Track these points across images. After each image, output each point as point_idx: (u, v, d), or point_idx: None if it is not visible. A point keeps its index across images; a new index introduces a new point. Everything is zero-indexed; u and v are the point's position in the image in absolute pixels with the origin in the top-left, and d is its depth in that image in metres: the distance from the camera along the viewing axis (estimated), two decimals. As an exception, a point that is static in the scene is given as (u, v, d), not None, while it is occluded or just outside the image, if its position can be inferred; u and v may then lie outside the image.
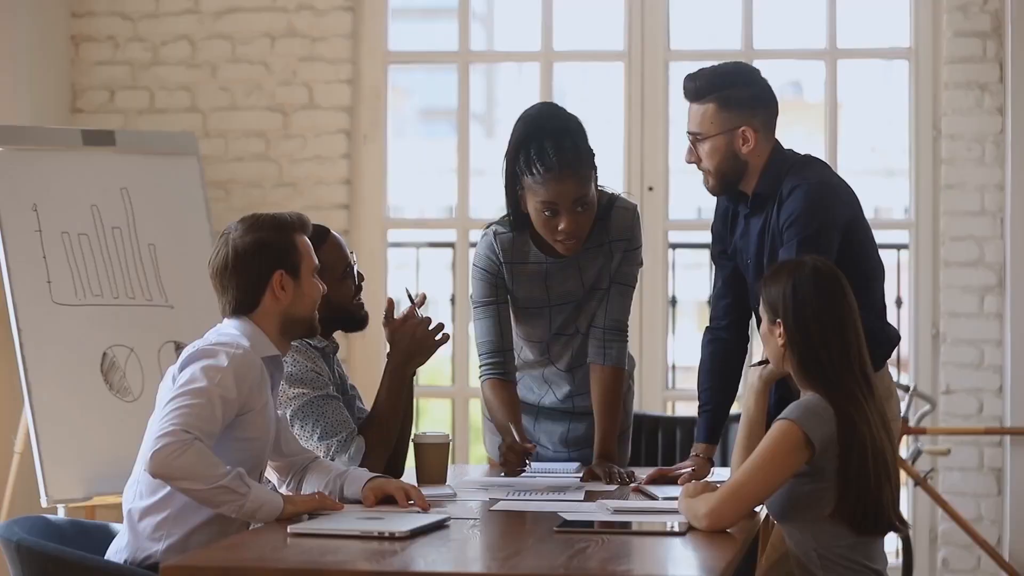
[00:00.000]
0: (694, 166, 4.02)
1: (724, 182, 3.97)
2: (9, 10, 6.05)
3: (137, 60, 6.49)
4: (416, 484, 3.88)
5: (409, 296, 4.04)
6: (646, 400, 6.25)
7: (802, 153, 4.02)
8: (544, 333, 4.29)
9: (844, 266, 3.66)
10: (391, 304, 4.06)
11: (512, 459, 4.12)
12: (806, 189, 3.85)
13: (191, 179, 5.73)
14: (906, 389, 5.83)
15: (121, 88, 6.49)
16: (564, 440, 4.39)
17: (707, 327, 4.14)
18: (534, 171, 4.03)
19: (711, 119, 3.93)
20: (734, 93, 3.93)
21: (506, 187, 4.13)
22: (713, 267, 4.21)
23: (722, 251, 4.10)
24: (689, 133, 3.98)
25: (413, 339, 3.97)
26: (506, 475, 4.12)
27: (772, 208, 3.90)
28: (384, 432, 3.94)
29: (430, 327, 3.98)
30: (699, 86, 3.95)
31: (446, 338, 4.02)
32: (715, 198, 4.11)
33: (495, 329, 4.25)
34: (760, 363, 3.64)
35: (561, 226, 4.06)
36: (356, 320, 4.05)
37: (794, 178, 3.89)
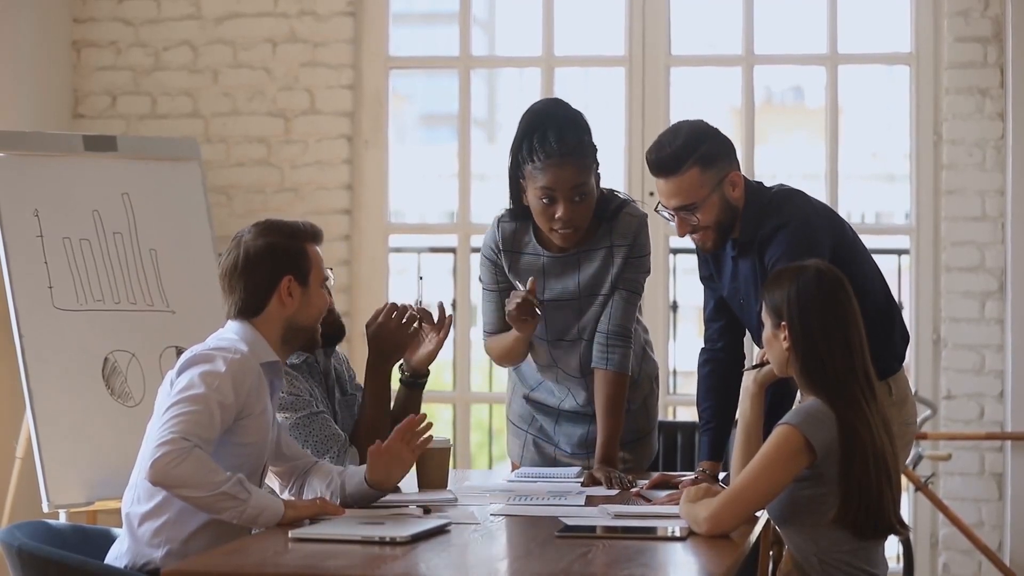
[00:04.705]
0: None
1: (724, 235, 3.89)
2: (11, 16, 6.05)
3: (139, 65, 6.49)
4: (418, 488, 3.89)
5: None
6: (647, 405, 6.23)
7: (773, 186, 3.95)
8: (541, 331, 4.28)
9: None
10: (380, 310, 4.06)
11: (522, 308, 4.03)
12: (788, 231, 3.79)
13: (192, 184, 5.73)
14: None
15: (123, 93, 6.49)
16: (583, 443, 4.37)
17: (702, 348, 4.11)
18: (536, 158, 4.06)
19: (699, 182, 3.82)
20: (708, 148, 3.83)
21: (510, 178, 4.17)
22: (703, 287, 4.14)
23: (710, 275, 4.05)
24: (678, 209, 3.85)
25: (381, 334, 3.99)
26: (518, 326, 4.06)
27: (756, 251, 3.85)
28: (374, 436, 3.91)
29: (404, 317, 3.99)
30: (673, 153, 3.81)
31: (413, 319, 4.01)
32: None
33: (498, 313, 4.28)
34: (754, 367, 3.64)
35: (558, 214, 4.08)
36: (333, 329, 3.97)
37: (775, 218, 3.83)
